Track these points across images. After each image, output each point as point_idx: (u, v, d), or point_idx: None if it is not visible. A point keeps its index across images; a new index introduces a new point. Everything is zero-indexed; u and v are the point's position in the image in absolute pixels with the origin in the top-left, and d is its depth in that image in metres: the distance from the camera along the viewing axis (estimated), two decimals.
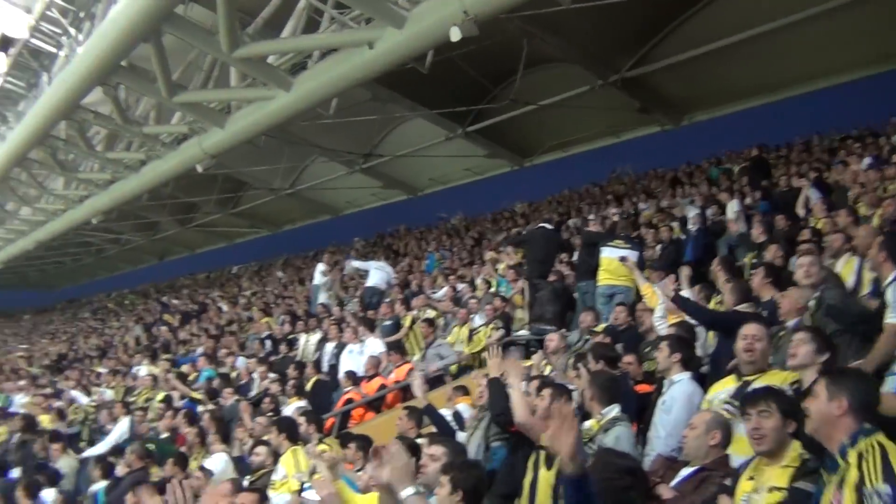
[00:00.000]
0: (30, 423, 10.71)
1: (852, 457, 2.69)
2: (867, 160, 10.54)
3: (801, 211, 9.45)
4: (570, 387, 5.50)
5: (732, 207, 10.43)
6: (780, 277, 6.06)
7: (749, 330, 4.44)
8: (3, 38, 11.61)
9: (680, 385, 4.99)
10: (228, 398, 9.97)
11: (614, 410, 4.63)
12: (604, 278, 9.06)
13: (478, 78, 14.36)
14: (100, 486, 8.36)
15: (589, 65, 13.90)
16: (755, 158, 14.08)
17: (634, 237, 10.35)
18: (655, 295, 7.32)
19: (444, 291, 12.62)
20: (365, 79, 9.41)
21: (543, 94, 14.56)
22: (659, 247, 10.28)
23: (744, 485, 3.26)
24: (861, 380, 3.02)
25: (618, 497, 3.57)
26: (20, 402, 14.60)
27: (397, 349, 10.37)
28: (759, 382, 4.17)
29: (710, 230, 10.17)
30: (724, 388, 4.50)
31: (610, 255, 9.04)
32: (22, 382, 16.82)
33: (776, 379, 4.18)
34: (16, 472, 9.69)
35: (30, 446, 10.04)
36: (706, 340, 6.31)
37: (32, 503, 7.64)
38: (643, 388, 5.83)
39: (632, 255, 8.83)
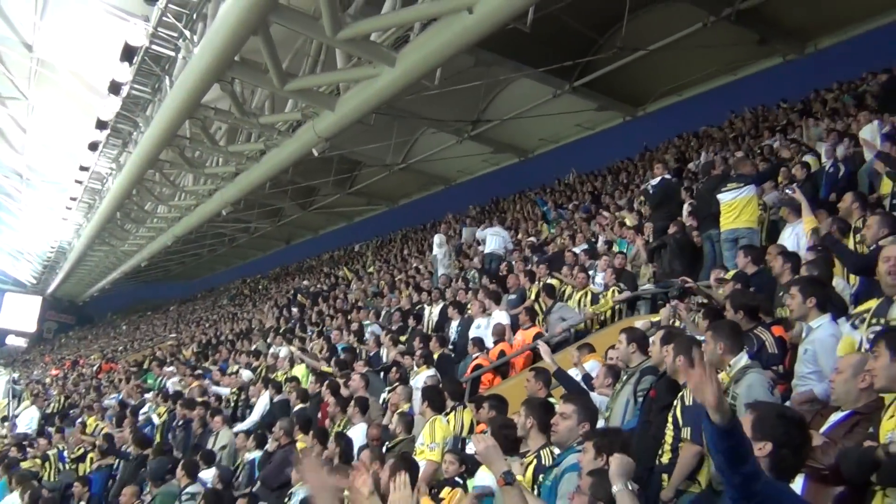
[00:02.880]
0: (189, 403, 11.48)
1: None
2: None
3: None
4: (700, 338, 5.30)
5: (871, 129, 9.66)
6: None
7: (891, 251, 4.21)
8: (126, 48, 12.15)
9: (821, 330, 4.71)
10: (359, 370, 10.15)
11: (743, 359, 4.43)
12: (725, 223, 8.67)
13: (582, 29, 13.96)
14: (255, 454, 8.96)
15: (699, 0, 13.18)
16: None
17: (754, 173, 9.64)
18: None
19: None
20: (467, 45, 9.31)
21: (652, 38, 13.97)
22: (784, 184, 9.62)
23: (885, 424, 3.12)
24: None
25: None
26: (173, 384, 15.71)
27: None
28: None
29: (850, 162, 9.41)
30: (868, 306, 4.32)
31: (726, 198, 8.63)
32: (172, 368, 18.10)
33: None
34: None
35: (190, 426, 10.81)
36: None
37: (192, 482, 8.19)
38: (777, 330, 5.49)
39: (749, 190, 8.49)
